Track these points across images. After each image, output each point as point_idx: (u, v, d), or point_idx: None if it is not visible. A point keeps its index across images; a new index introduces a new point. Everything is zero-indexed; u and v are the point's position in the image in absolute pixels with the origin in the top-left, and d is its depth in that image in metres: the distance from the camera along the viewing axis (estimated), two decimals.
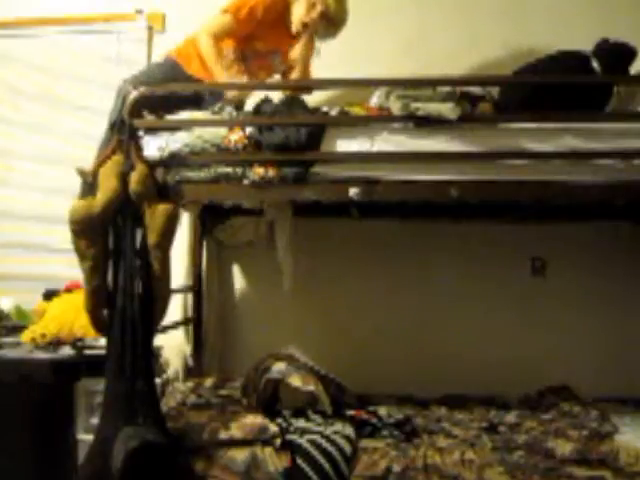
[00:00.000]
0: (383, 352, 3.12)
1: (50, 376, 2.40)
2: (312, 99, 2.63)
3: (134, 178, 2.23)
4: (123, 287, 2.18)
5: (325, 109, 2.47)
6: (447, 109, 2.26)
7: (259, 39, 2.74)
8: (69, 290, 2.93)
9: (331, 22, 2.67)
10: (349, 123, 2.38)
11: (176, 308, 3.05)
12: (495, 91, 2.44)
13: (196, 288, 3.22)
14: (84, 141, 3.33)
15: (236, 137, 2.35)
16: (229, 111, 2.52)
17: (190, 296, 3.23)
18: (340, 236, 3.19)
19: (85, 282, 2.22)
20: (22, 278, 3.38)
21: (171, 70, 2.70)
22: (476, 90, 2.39)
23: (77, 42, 3.46)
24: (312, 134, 2.30)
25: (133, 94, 2.36)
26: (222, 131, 2.39)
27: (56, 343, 2.61)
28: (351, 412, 2.52)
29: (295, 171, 2.31)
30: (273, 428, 2.28)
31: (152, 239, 2.22)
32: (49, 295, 2.95)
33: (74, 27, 3.45)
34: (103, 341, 2.29)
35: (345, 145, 2.33)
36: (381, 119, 2.41)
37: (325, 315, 3.20)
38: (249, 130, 2.36)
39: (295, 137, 2.29)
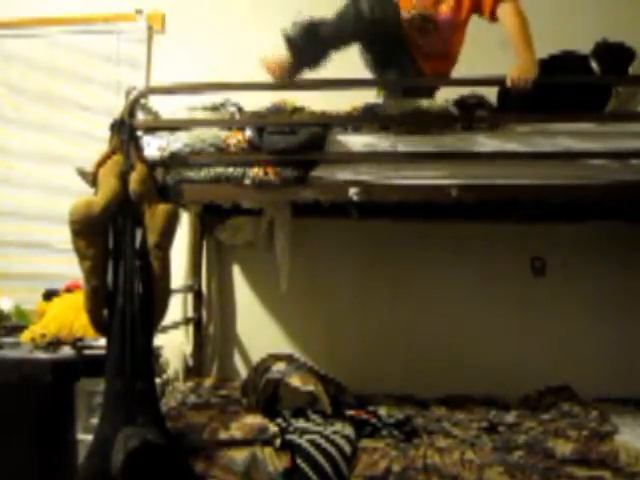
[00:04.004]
0: (383, 352, 3.12)
1: (50, 376, 2.39)
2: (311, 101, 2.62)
3: (134, 178, 2.23)
4: (123, 287, 2.18)
5: None
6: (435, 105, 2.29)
7: None
8: (69, 290, 2.93)
9: None
10: (348, 122, 2.39)
11: (176, 308, 3.05)
12: (494, 91, 2.45)
13: (196, 288, 3.22)
14: (84, 140, 3.34)
15: (235, 141, 2.36)
16: (231, 110, 2.53)
17: (190, 296, 3.23)
18: (339, 237, 3.18)
19: (85, 282, 2.21)
20: (22, 278, 3.39)
21: None
22: (471, 97, 2.41)
23: (77, 42, 3.46)
24: (312, 139, 2.30)
25: (133, 94, 2.37)
26: (222, 133, 2.40)
27: (56, 343, 2.61)
28: (351, 412, 2.52)
29: (295, 175, 2.32)
30: (273, 428, 2.28)
31: (152, 239, 2.22)
32: (49, 295, 2.95)
33: (74, 27, 3.46)
34: (103, 341, 2.28)
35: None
36: (382, 119, 2.42)
37: (325, 315, 3.20)
38: (249, 134, 2.37)
39: (295, 143, 2.29)
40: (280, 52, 2.36)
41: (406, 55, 2.46)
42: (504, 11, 2.35)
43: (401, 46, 2.42)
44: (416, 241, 3.14)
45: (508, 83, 2.23)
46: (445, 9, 2.46)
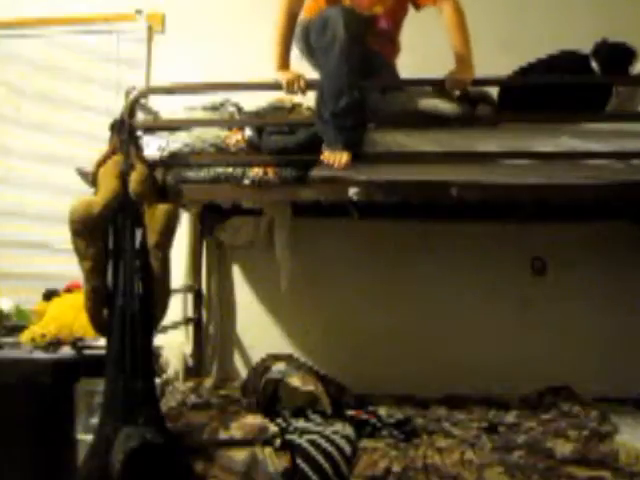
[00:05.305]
0: (383, 352, 3.12)
1: (50, 376, 2.40)
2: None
3: (134, 178, 2.23)
4: (123, 287, 2.18)
5: None
6: (447, 107, 2.27)
7: None
8: (69, 290, 2.93)
9: None
10: None
11: (176, 308, 3.05)
12: (494, 91, 2.45)
13: (196, 288, 3.22)
14: (84, 140, 3.34)
15: (235, 141, 2.36)
16: (230, 110, 2.53)
17: (190, 296, 3.24)
18: (339, 236, 3.18)
19: (85, 282, 2.22)
20: (22, 278, 3.38)
21: None
22: (475, 91, 2.40)
23: (77, 42, 3.47)
24: (312, 139, 2.30)
25: (133, 94, 2.37)
26: (222, 133, 2.40)
27: (56, 343, 2.61)
28: (351, 412, 2.52)
29: (295, 175, 2.32)
30: (273, 428, 2.28)
31: (152, 239, 2.22)
32: (49, 295, 2.95)
33: (74, 27, 3.46)
34: (103, 341, 2.28)
35: None
36: (382, 118, 2.41)
37: (325, 315, 3.20)
38: (248, 134, 2.37)
39: (294, 143, 2.29)
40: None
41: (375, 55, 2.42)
42: (443, 7, 2.39)
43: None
44: (416, 241, 3.14)
45: (447, 86, 2.25)
46: (380, 11, 2.42)
